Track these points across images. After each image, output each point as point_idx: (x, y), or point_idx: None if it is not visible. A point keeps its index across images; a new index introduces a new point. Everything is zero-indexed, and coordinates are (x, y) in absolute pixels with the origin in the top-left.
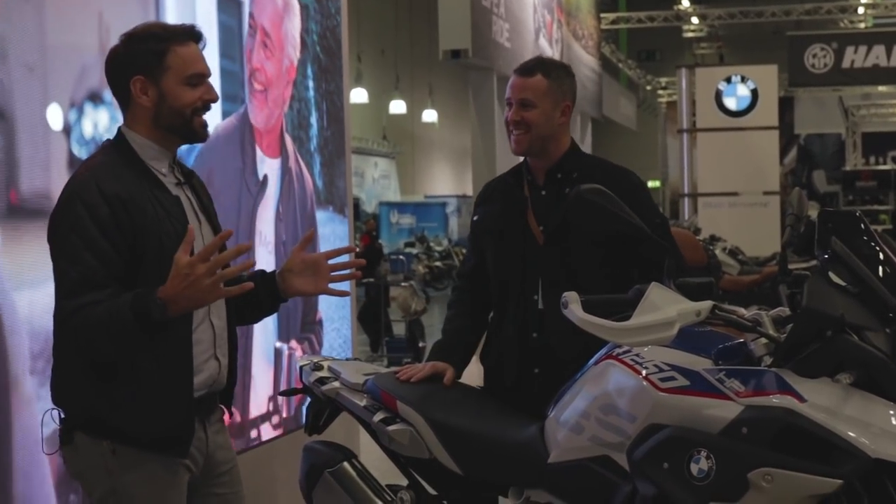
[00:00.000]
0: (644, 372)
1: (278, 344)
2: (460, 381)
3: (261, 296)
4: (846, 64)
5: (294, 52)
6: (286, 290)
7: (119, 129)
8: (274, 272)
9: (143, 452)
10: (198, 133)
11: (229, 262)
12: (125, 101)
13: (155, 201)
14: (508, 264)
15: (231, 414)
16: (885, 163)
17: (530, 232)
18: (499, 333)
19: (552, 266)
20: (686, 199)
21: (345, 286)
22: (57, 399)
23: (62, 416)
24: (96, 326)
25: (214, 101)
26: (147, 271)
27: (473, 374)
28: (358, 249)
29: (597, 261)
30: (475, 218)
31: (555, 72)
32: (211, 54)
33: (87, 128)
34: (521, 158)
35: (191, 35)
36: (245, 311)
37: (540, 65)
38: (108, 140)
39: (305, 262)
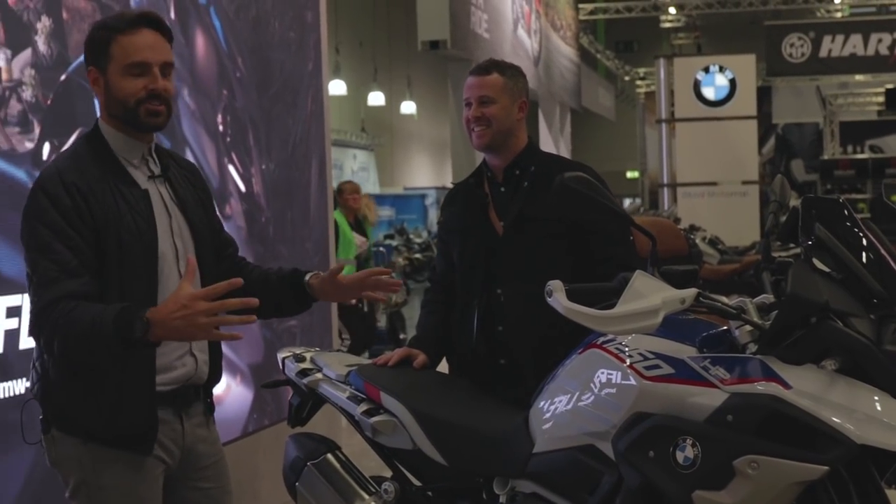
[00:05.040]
0: (629, 360)
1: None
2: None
3: (284, 302)
4: (823, 53)
5: None
6: (317, 296)
7: (97, 119)
8: (303, 278)
9: (110, 449)
10: (143, 123)
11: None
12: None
13: (118, 195)
14: (472, 259)
15: (213, 410)
16: (862, 152)
17: (492, 227)
18: (464, 329)
19: (512, 258)
20: (665, 189)
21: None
22: (34, 392)
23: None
24: (76, 327)
25: (159, 90)
26: (109, 267)
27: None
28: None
29: (559, 252)
30: (442, 219)
31: (509, 70)
32: None
33: None
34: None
35: (142, 22)
36: (269, 310)
37: (494, 65)
38: (84, 131)
39: (341, 287)
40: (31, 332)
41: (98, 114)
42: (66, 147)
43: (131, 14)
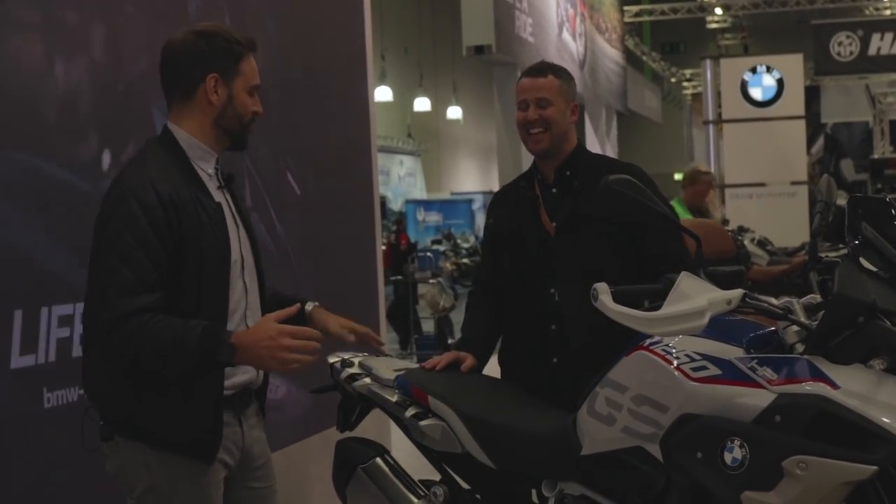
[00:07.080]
0: (675, 362)
1: None
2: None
3: None
4: (872, 51)
5: None
6: (311, 324)
7: (166, 126)
8: (302, 309)
9: (178, 453)
10: (246, 142)
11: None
12: (187, 95)
13: (200, 206)
14: (524, 260)
15: (265, 414)
16: None
17: (543, 228)
18: (516, 329)
19: (565, 258)
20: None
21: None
22: (92, 398)
23: (100, 413)
24: (155, 340)
25: (262, 115)
26: (188, 277)
27: (492, 373)
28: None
29: (611, 251)
30: (490, 221)
31: (562, 73)
32: None
33: None
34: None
35: (253, 47)
36: None
37: (549, 67)
38: (155, 137)
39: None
40: (92, 338)
41: (167, 119)
42: (140, 152)
43: (248, 37)
